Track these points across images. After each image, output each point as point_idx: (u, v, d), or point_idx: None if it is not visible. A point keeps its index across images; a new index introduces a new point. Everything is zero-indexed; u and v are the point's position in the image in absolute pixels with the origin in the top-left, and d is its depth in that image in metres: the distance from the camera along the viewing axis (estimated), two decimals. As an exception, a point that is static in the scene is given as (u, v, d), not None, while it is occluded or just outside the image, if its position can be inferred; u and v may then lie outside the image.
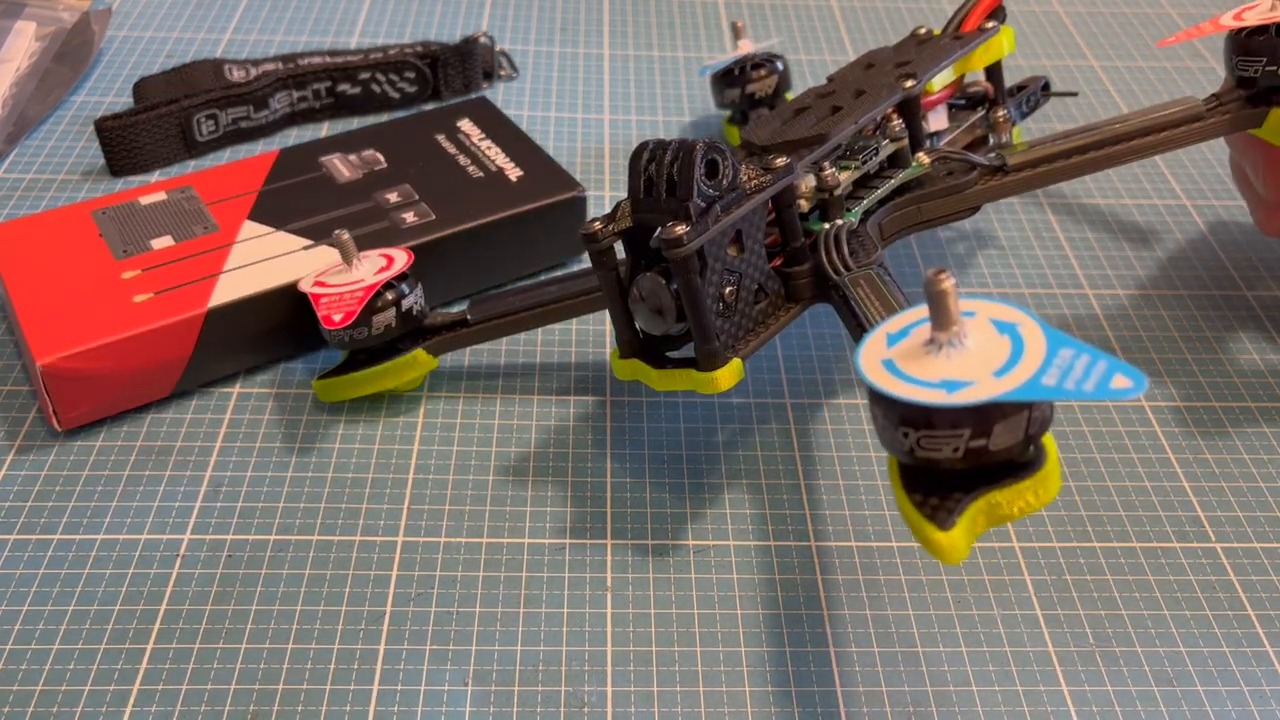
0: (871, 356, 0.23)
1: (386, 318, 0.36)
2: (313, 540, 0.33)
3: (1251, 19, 0.36)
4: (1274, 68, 0.35)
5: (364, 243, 0.39)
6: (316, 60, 0.51)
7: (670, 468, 0.36)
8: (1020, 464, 0.24)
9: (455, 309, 0.38)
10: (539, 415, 0.38)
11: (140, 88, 0.49)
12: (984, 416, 0.22)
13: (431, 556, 0.33)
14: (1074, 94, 0.45)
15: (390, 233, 0.40)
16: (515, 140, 0.45)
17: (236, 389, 0.38)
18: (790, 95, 0.50)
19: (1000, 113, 0.42)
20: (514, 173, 0.43)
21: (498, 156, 0.44)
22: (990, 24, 0.41)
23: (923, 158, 0.38)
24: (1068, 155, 0.37)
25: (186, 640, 0.31)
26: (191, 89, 0.49)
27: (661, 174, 0.30)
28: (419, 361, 0.37)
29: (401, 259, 0.37)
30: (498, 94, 0.54)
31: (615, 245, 0.32)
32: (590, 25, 0.61)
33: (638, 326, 0.33)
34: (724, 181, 0.31)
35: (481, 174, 0.43)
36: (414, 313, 0.36)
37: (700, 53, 0.59)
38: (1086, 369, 0.22)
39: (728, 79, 0.48)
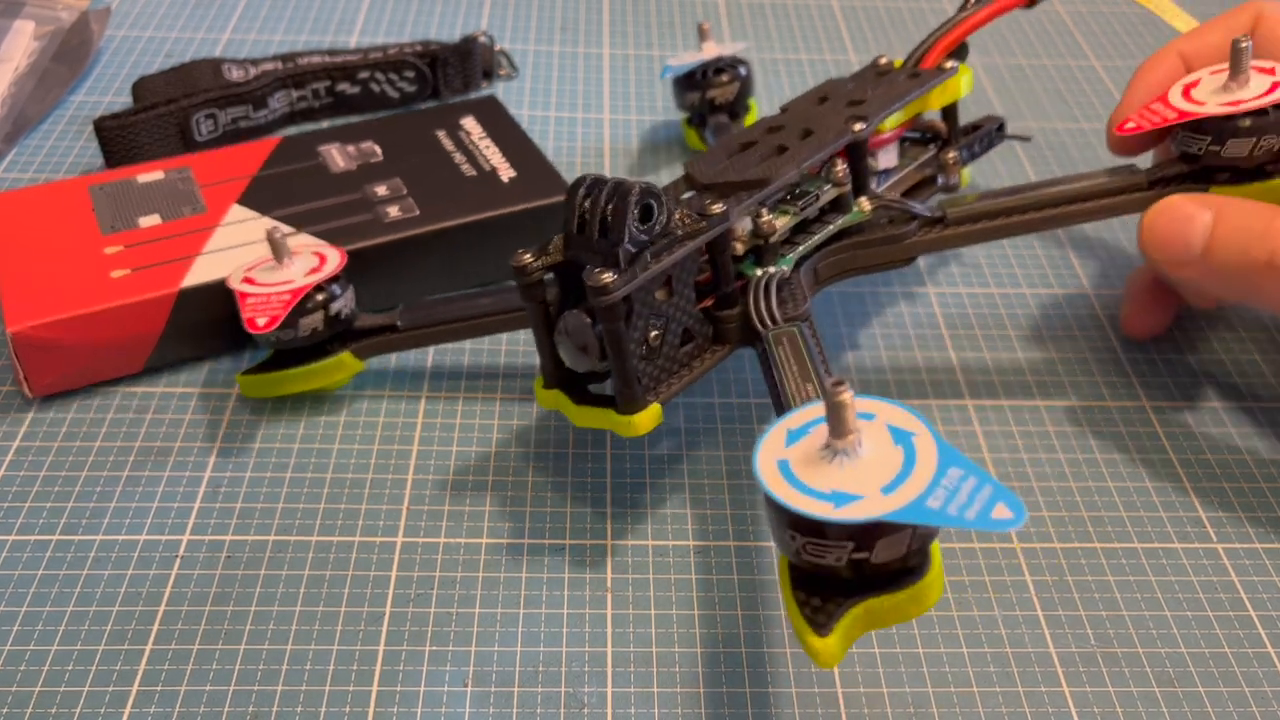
0: (769, 455, 0.24)
1: (314, 321, 0.35)
2: (312, 540, 0.33)
3: (1208, 103, 0.35)
4: (1217, 148, 0.35)
5: (345, 234, 0.39)
6: (316, 60, 0.51)
7: (670, 468, 0.36)
8: (905, 570, 0.24)
9: (387, 312, 0.38)
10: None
11: (139, 87, 0.49)
12: (868, 532, 0.23)
13: (431, 557, 0.33)
14: (1028, 138, 0.45)
15: (372, 225, 0.40)
16: (515, 141, 0.45)
17: (236, 389, 0.38)
18: (754, 101, 0.50)
19: (951, 154, 0.42)
20: (507, 173, 0.43)
21: (494, 156, 0.44)
22: (950, 64, 0.40)
23: (864, 204, 0.37)
24: (1008, 213, 0.37)
25: (186, 640, 0.31)
26: (190, 89, 0.49)
27: (596, 213, 0.30)
28: (345, 364, 0.37)
29: (334, 260, 0.36)
30: (497, 93, 0.54)
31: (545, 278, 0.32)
32: (590, 25, 0.60)
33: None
34: (657, 226, 0.30)
35: (474, 172, 0.43)
36: (342, 316, 0.36)
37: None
38: (971, 494, 0.22)
39: (689, 82, 0.48)
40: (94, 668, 0.30)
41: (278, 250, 0.36)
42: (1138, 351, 0.42)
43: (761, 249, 0.34)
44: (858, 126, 0.36)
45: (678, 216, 0.31)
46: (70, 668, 0.30)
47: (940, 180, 0.42)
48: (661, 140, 0.51)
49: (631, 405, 0.31)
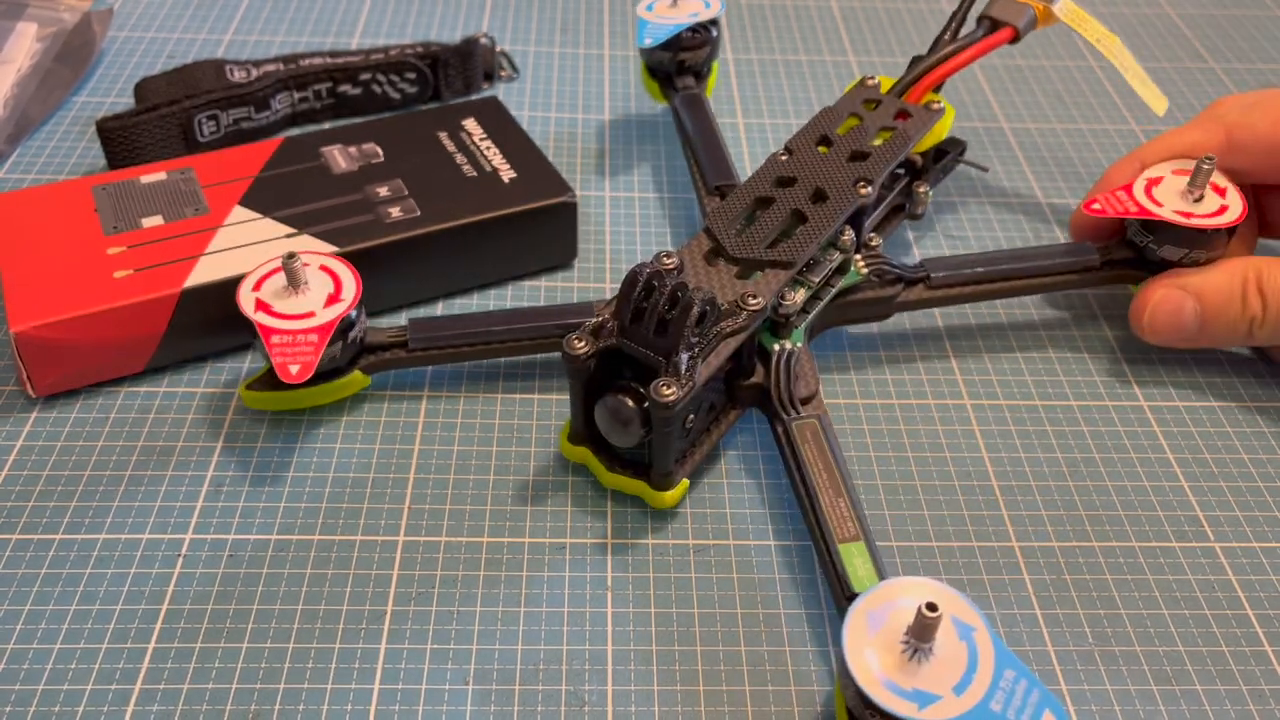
0: (856, 643, 0.27)
1: (333, 350, 0.35)
2: (313, 540, 0.34)
3: (1165, 205, 0.39)
4: (1155, 248, 0.40)
5: (346, 234, 0.40)
6: (317, 61, 0.52)
7: (670, 468, 0.36)
8: None
9: (393, 325, 0.37)
10: (539, 415, 0.38)
11: (141, 88, 0.49)
12: None
13: (431, 556, 0.33)
14: (985, 169, 0.47)
15: (373, 226, 0.40)
16: (516, 142, 0.45)
17: (238, 390, 0.38)
18: (716, 64, 0.49)
19: (922, 188, 0.43)
20: (508, 174, 0.43)
21: (495, 157, 0.44)
22: (937, 105, 0.42)
23: (860, 266, 0.38)
24: (978, 282, 0.40)
25: (188, 640, 0.31)
26: (193, 90, 0.49)
27: (653, 314, 0.31)
28: (354, 381, 0.37)
29: (350, 283, 0.35)
30: (498, 94, 0.54)
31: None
32: (590, 25, 0.61)
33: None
34: (710, 329, 0.32)
35: (475, 173, 0.43)
36: (359, 341, 0.36)
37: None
38: (1024, 697, 0.26)
39: (664, 42, 0.47)
40: (96, 667, 0.30)
41: (294, 278, 0.35)
42: (1137, 351, 0.42)
43: (779, 324, 0.36)
44: (864, 191, 0.37)
45: (724, 323, 0.33)
46: (73, 667, 0.30)
47: (907, 208, 0.44)
48: (662, 139, 0.52)
49: (668, 482, 0.34)
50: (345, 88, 0.51)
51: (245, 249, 0.39)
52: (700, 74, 0.49)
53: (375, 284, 0.40)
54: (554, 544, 0.34)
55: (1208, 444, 0.38)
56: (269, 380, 0.36)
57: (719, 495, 0.36)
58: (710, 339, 0.32)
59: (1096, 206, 0.40)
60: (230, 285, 0.37)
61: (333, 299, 0.35)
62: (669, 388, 0.31)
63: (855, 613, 0.28)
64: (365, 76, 0.51)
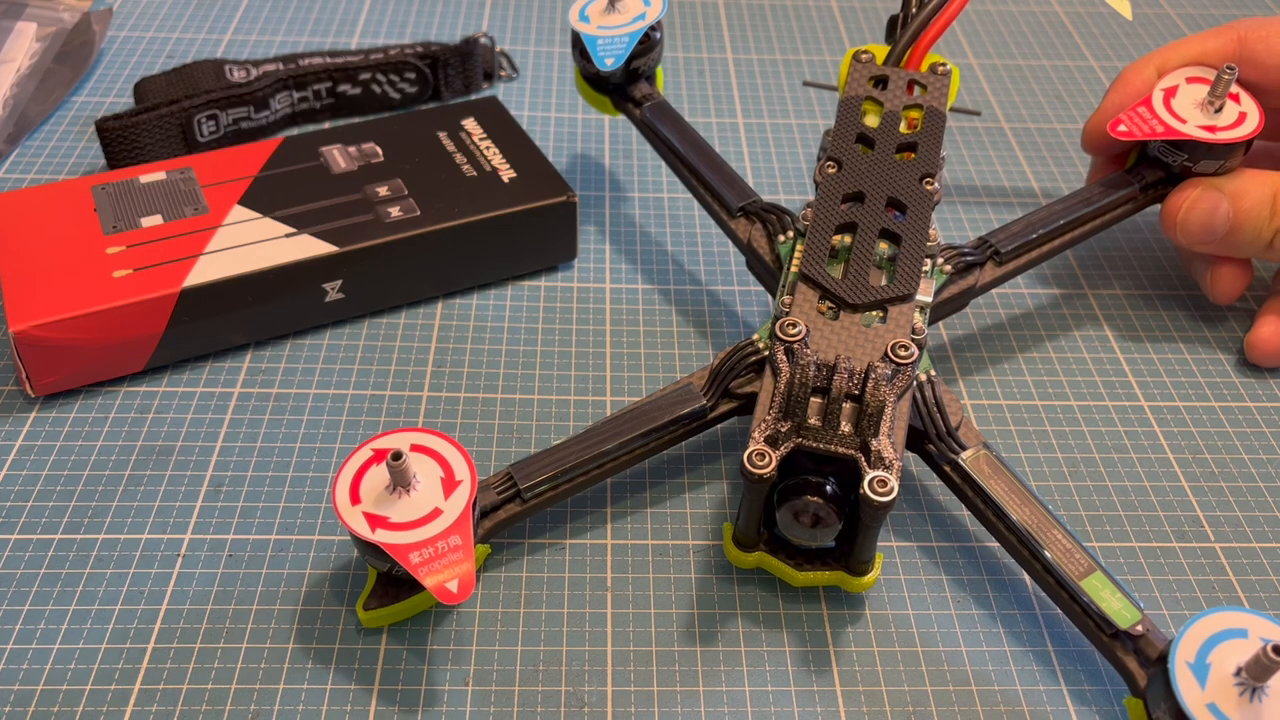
0: (1193, 696, 0.26)
1: None
2: (313, 540, 0.34)
3: (1188, 121, 0.39)
4: (1190, 164, 0.40)
5: (346, 234, 0.40)
6: (317, 61, 0.52)
7: (670, 467, 0.36)
8: None
9: (500, 481, 0.32)
10: (539, 415, 0.38)
11: (141, 88, 0.49)
12: None
13: (432, 556, 0.33)
14: (977, 113, 0.46)
15: (373, 226, 0.40)
16: (516, 142, 0.45)
17: (237, 389, 0.38)
18: (661, 72, 0.45)
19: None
20: (507, 174, 0.43)
21: (495, 157, 0.44)
22: (944, 67, 0.40)
23: (942, 264, 0.36)
24: (1043, 242, 0.39)
25: (187, 640, 0.31)
26: (192, 89, 0.49)
27: (838, 408, 0.29)
28: (478, 557, 0.32)
29: (457, 458, 0.30)
30: (498, 94, 0.54)
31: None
32: (590, 26, 0.61)
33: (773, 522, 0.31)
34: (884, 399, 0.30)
35: (475, 173, 0.43)
36: (476, 510, 0.31)
37: (700, 53, 0.59)
38: None
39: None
40: (96, 667, 0.30)
41: (404, 479, 0.29)
42: (1137, 351, 0.42)
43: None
44: (932, 187, 0.36)
45: (891, 386, 0.30)
46: (72, 667, 0.30)
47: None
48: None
49: (868, 567, 0.31)
50: (345, 88, 0.51)
51: (245, 248, 0.39)
52: (650, 76, 0.44)
53: (375, 283, 0.40)
54: (554, 544, 0.34)
55: (1208, 444, 0.38)
56: (384, 593, 0.31)
57: (719, 495, 0.36)
58: (893, 411, 0.29)
59: (1123, 129, 0.39)
60: (231, 284, 0.37)
61: (449, 483, 0.30)
62: (885, 484, 0.28)
63: (1179, 671, 0.27)
64: (365, 76, 0.51)
